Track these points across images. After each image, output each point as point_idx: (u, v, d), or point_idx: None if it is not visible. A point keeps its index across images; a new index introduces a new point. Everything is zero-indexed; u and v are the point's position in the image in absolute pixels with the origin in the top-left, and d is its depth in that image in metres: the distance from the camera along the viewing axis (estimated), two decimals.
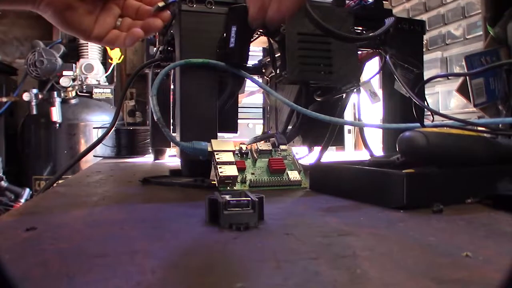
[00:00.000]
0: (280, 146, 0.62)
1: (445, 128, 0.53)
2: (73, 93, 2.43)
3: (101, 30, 0.59)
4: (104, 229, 0.36)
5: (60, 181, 0.69)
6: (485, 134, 0.53)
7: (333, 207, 0.45)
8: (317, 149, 0.83)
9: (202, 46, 0.65)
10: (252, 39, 0.75)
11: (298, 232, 0.34)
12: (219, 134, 0.67)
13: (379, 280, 0.23)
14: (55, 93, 2.33)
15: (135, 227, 0.36)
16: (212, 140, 0.57)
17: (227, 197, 0.35)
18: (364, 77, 0.81)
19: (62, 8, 0.57)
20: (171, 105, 0.89)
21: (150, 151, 1.23)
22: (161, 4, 0.54)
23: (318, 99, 0.82)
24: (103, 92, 2.63)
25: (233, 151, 0.57)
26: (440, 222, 0.37)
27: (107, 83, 2.72)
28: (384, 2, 0.78)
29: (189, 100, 0.64)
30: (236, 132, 0.90)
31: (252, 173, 0.57)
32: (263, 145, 0.61)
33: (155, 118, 0.60)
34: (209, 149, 0.56)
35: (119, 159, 1.26)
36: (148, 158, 1.26)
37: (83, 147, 2.39)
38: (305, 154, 0.88)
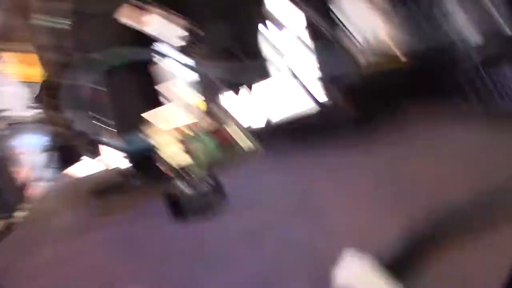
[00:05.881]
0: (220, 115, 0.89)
1: None
2: None
3: None
4: (77, 266, 0.77)
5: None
6: None
7: (288, 167, 0.81)
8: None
9: None
10: None
11: (263, 200, 0.72)
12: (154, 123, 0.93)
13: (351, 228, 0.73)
14: None
15: (110, 252, 0.77)
16: (152, 133, 0.88)
17: (185, 189, 0.74)
18: None
19: None
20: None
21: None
22: None
23: None
24: None
25: (178, 140, 0.82)
26: None
27: None
28: None
29: (115, 104, 0.98)
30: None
31: (202, 153, 0.81)
32: (204, 122, 0.89)
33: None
34: (153, 144, 0.88)
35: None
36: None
37: None
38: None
